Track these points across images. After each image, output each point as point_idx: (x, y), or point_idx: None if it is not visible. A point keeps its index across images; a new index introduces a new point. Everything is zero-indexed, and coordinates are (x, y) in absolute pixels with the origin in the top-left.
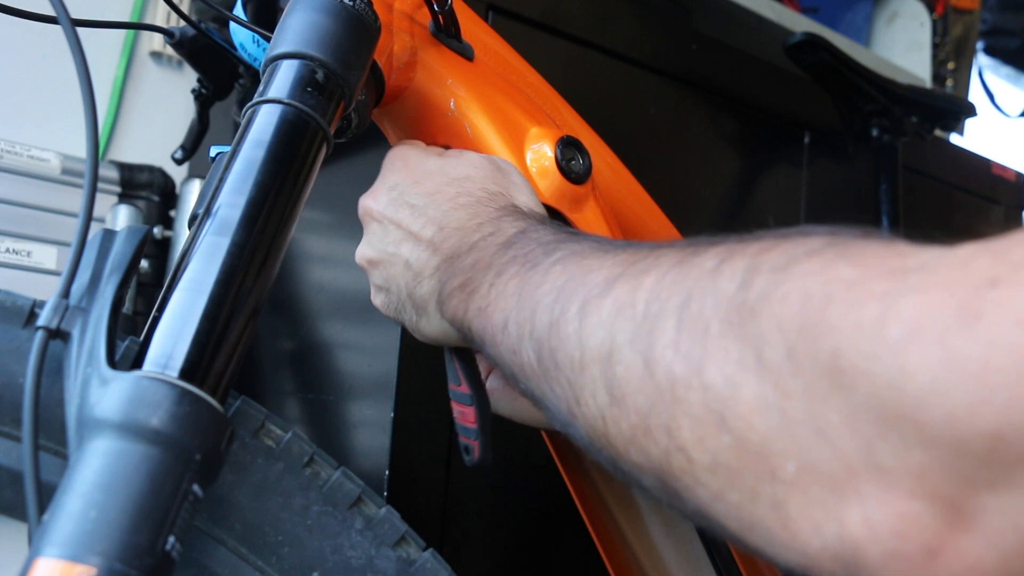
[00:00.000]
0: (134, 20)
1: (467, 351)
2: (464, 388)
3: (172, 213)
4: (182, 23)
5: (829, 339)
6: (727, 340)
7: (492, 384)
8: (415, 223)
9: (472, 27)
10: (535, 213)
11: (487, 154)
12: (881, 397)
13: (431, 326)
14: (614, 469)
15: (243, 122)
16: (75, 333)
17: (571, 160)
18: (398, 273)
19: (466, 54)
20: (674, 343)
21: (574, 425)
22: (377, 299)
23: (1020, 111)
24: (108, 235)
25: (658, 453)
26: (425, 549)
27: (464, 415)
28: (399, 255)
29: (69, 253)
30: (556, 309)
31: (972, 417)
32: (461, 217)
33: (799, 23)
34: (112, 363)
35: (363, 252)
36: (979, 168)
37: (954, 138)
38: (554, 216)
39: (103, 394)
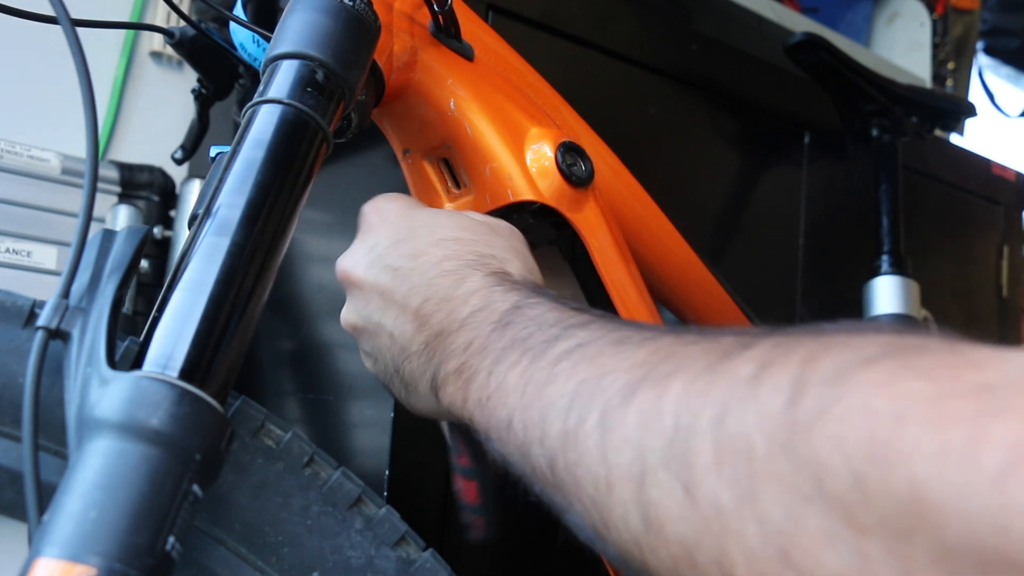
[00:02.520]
0: (134, 20)
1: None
2: (465, 461)
3: (172, 213)
4: (182, 23)
5: (906, 468)
6: (777, 463)
7: None
8: (398, 290)
9: (472, 27)
10: (528, 282)
11: (485, 215)
12: (980, 539)
13: (423, 403)
14: None
15: (243, 122)
16: (75, 333)
17: (572, 165)
18: (384, 345)
19: (466, 54)
20: (715, 465)
21: (602, 545)
22: (367, 364)
23: (1020, 111)
24: (108, 235)
25: None
26: (425, 549)
27: (466, 490)
28: (383, 325)
29: (69, 253)
30: (571, 418)
31: None
32: (447, 285)
33: (799, 23)
34: (112, 363)
35: (346, 317)
36: (979, 168)
37: (954, 138)
38: (554, 216)
39: (103, 394)
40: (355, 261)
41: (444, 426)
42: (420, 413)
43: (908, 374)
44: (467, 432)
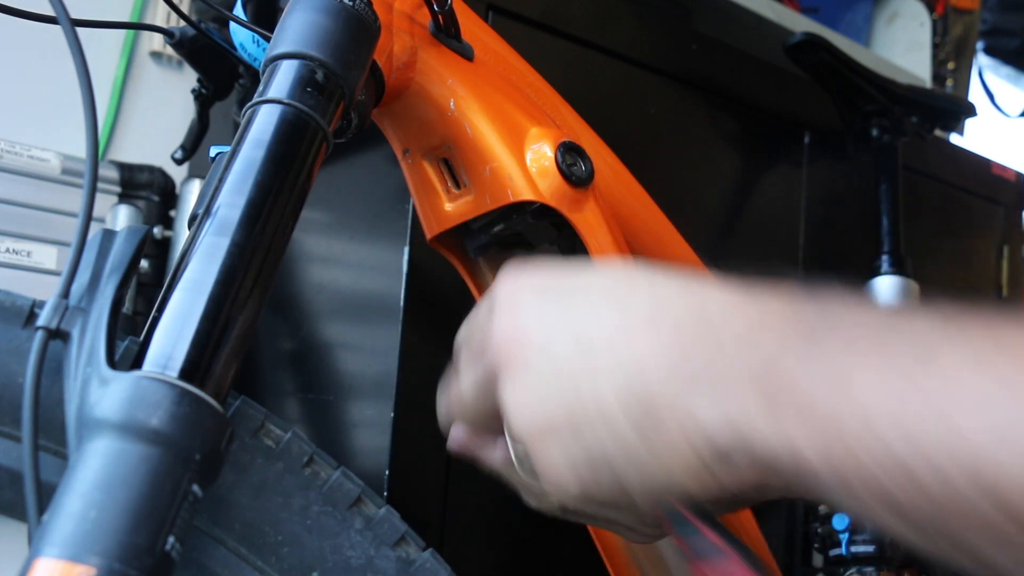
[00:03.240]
0: (134, 20)
1: None
2: (713, 536)
3: (172, 213)
4: (182, 23)
5: None
6: None
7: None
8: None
9: (472, 27)
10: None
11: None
12: None
13: (666, 470)
14: None
15: (243, 122)
16: (75, 333)
17: (572, 165)
18: (592, 403)
19: (466, 54)
20: None
21: None
22: (558, 473)
23: (1020, 111)
24: (108, 235)
25: None
26: (425, 549)
27: (720, 569)
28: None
29: (69, 253)
30: None
31: None
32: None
33: (799, 23)
34: (112, 363)
35: (526, 407)
36: (979, 168)
37: (954, 138)
38: (554, 216)
39: (103, 394)
40: (519, 314)
41: (664, 503)
42: (666, 487)
43: None
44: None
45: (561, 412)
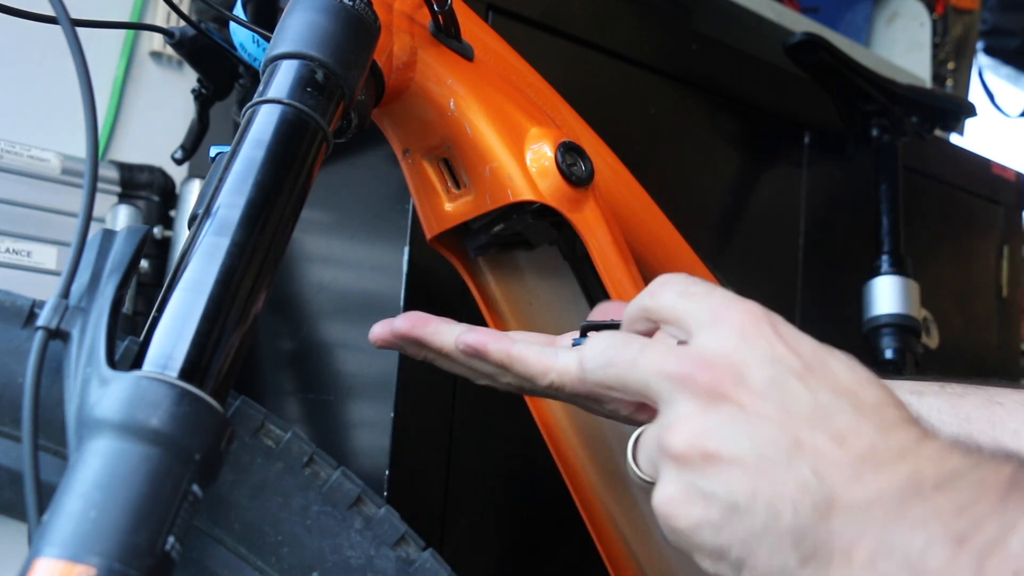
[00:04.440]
0: (134, 20)
1: None
2: None
3: (172, 213)
4: (182, 23)
5: None
6: None
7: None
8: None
9: (472, 27)
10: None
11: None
12: None
13: None
14: None
15: (243, 122)
16: (75, 333)
17: (572, 164)
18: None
19: (466, 54)
20: None
21: None
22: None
23: (1020, 111)
24: (108, 235)
25: None
26: (425, 549)
27: None
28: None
29: (69, 253)
30: None
31: None
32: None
33: (799, 23)
34: (112, 363)
35: (709, 435)
36: (979, 168)
37: (954, 138)
38: (554, 216)
39: (103, 394)
40: (741, 359)
41: None
42: None
43: None
44: None
45: (745, 491)
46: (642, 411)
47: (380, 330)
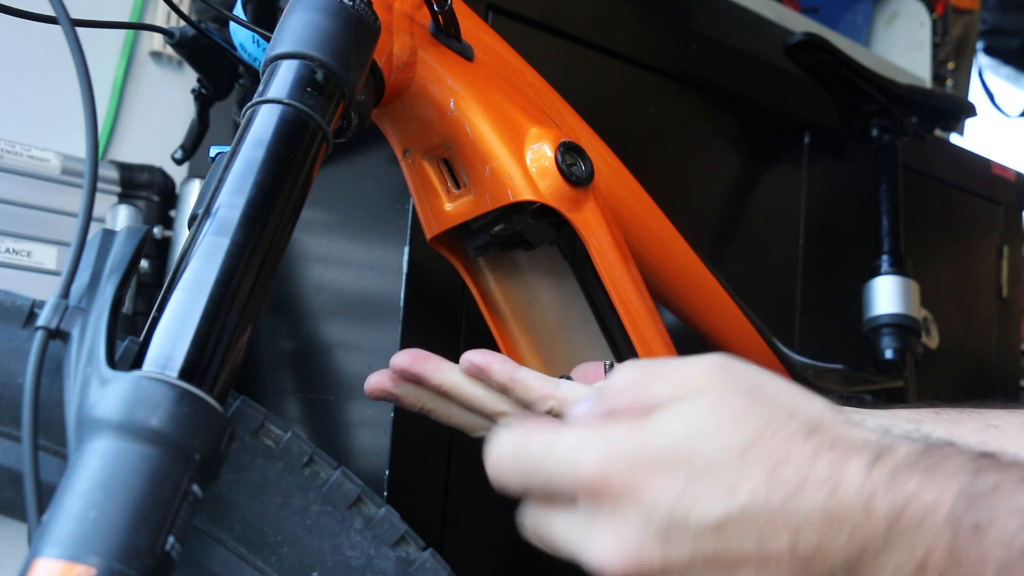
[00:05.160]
0: (134, 20)
1: None
2: None
3: (172, 213)
4: (182, 23)
5: None
6: None
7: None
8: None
9: (472, 27)
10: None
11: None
12: None
13: None
14: None
15: (243, 122)
16: (75, 333)
17: (572, 164)
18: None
19: (466, 54)
20: None
21: None
22: None
23: (1020, 111)
24: (108, 235)
25: None
26: (425, 549)
27: None
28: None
29: (69, 253)
30: None
31: None
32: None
33: (799, 23)
34: (112, 363)
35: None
36: (979, 168)
37: (954, 138)
38: (554, 216)
39: (103, 394)
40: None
41: None
42: None
43: None
44: None
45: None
46: None
47: (376, 379)
